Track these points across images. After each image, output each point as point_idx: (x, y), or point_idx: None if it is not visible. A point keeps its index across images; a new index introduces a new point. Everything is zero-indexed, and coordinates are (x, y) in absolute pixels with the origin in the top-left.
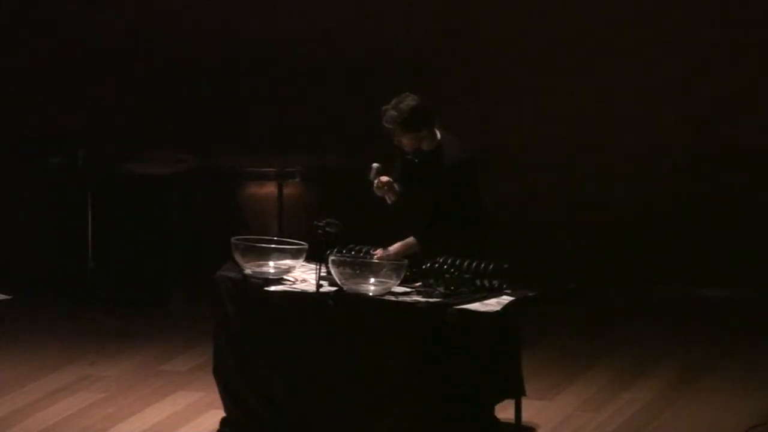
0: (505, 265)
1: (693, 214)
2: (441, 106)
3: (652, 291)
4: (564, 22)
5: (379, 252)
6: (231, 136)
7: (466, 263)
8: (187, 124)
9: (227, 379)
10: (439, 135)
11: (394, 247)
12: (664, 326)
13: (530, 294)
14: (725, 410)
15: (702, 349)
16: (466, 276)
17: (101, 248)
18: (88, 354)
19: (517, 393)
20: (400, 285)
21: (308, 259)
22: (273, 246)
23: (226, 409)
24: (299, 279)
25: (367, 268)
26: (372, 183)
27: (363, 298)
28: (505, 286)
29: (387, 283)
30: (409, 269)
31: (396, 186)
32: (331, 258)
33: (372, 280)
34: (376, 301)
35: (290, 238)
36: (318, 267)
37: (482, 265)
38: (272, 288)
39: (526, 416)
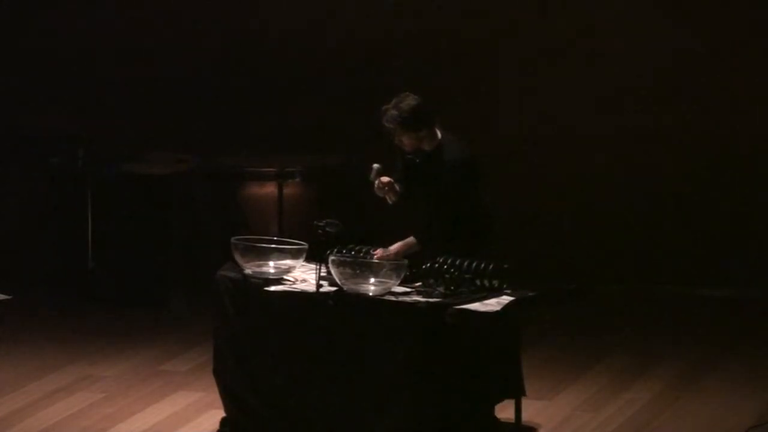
0: (505, 265)
1: (693, 214)
2: (441, 106)
3: (652, 291)
4: (564, 22)
5: (379, 252)
6: (231, 136)
7: (466, 263)
8: (187, 124)
9: (227, 379)
10: (439, 135)
11: (394, 247)
12: (664, 326)
13: (530, 294)
14: (725, 410)
15: (702, 349)
16: (466, 276)
17: (101, 248)
18: (88, 354)
19: (517, 393)
20: (400, 285)
21: (308, 259)
22: (273, 246)
23: (226, 409)
24: (299, 279)
25: (367, 268)
26: (373, 183)
27: (363, 298)
28: (505, 286)
29: (387, 283)
30: (409, 269)
31: (397, 186)
32: (331, 258)
33: (372, 280)
34: (376, 301)
35: (290, 238)
36: (318, 267)
37: (482, 265)
38: (272, 288)
39: (526, 416)
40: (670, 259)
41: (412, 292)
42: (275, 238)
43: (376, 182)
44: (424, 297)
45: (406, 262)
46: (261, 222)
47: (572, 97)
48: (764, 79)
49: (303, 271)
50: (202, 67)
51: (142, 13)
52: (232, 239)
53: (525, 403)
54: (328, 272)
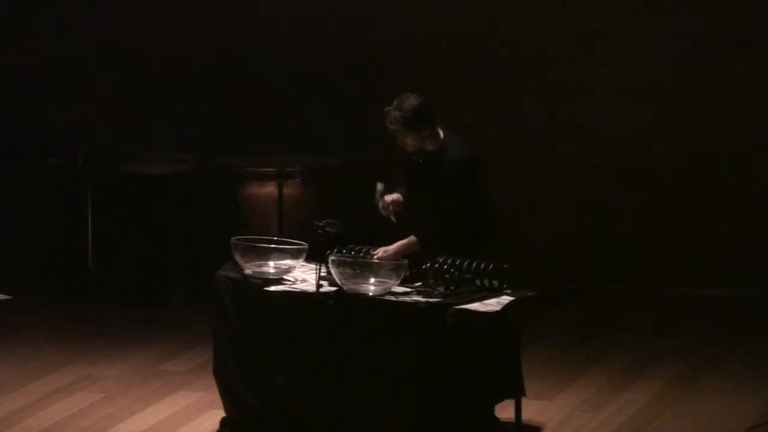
0: (505, 265)
1: (693, 214)
2: (441, 106)
3: (652, 291)
4: (564, 23)
5: (379, 251)
6: (231, 136)
7: (466, 263)
8: (187, 124)
9: (227, 379)
10: (442, 135)
11: (395, 246)
12: (664, 326)
13: (530, 294)
14: (725, 410)
15: (702, 349)
16: (466, 276)
17: (101, 248)
18: (88, 354)
19: (517, 393)
20: (400, 285)
21: (308, 259)
22: (273, 246)
23: (226, 409)
24: (299, 279)
25: (367, 268)
26: (377, 203)
27: (363, 298)
28: (505, 286)
29: (387, 283)
30: (409, 269)
31: (399, 205)
32: (331, 258)
33: (372, 280)
34: (376, 301)
35: (290, 238)
36: (318, 267)
37: (482, 265)
38: (272, 288)
39: (526, 416)
40: (670, 259)
41: (412, 292)
42: (275, 238)
43: (381, 202)
44: (424, 297)
45: (406, 262)
46: (261, 222)
47: (572, 97)
48: (764, 80)
49: (303, 271)
50: (202, 67)
51: (143, 13)
52: (232, 239)
53: (525, 403)
54: (328, 272)
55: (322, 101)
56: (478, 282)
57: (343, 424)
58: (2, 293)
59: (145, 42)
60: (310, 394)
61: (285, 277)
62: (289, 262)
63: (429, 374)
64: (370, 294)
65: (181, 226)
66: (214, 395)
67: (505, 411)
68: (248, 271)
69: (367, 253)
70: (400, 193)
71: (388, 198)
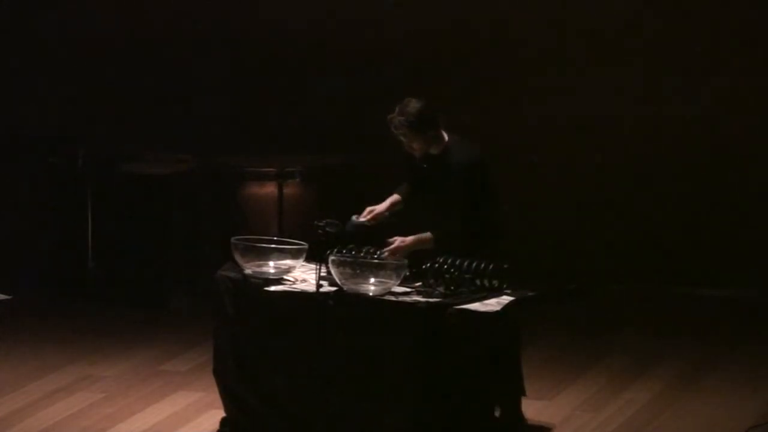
0: (505, 265)
1: (693, 214)
2: (441, 107)
3: (652, 291)
4: (565, 23)
5: (396, 240)
6: (231, 136)
7: (466, 263)
8: (187, 124)
9: (227, 379)
10: (446, 137)
11: (412, 239)
12: (664, 326)
13: (530, 294)
14: (725, 410)
15: (702, 349)
16: (466, 276)
17: (101, 248)
18: (88, 354)
19: (517, 393)
20: (400, 285)
21: (308, 259)
22: (273, 246)
23: (226, 409)
24: (299, 279)
25: (367, 268)
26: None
27: (363, 298)
28: (505, 286)
29: (387, 283)
30: (409, 269)
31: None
32: (331, 258)
33: (372, 280)
34: (376, 301)
35: (290, 238)
36: (318, 267)
37: (482, 265)
38: (272, 288)
39: (526, 416)
40: (670, 259)
41: (412, 292)
42: (275, 238)
43: (349, 224)
44: (424, 297)
45: (406, 262)
46: (261, 222)
47: (572, 97)
48: (765, 80)
49: (303, 271)
50: (202, 67)
51: (143, 13)
52: (232, 239)
53: (525, 403)
54: (328, 272)
55: (322, 101)
56: (478, 282)
57: (343, 424)
58: (2, 293)
59: (145, 42)
60: (310, 394)
61: (285, 277)
62: (289, 262)
63: (429, 374)
64: (370, 294)
65: (181, 226)
66: (214, 395)
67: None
68: (248, 271)
69: (367, 253)
70: (400, 194)
71: (368, 209)
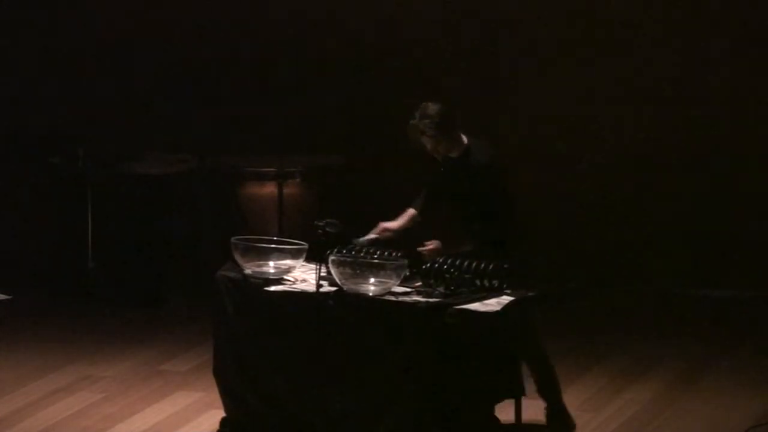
0: (505, 265)
1: (693, 214)
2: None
3: (652, 291)
4: (565, 22)
5: (432, 244)
6: (231, 136)
7: (466, 263)
8: (187, 124)
9: (227, 379)
10: (465, 139)
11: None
12: (664, 326)
13: (530, 294)
14: (725, 410)
15: (702, 349)
16: (466, 276)
17: (101, 248)
18: (88, 354)
19: (517, 393)
20: (400, 285)
21: (308, 259)
22: (273, 246)
23: (226, 409)
24: (299, 279)
25: (367, 268)
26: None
27: (363, 298)
28: (505, 286)
29: (387, 283)
30: (409, 269)
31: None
32: (331, 258)
33: (372, 280)
34: (376, 301)
35: (290, 238)
36: (318, 267)
37: (482, 265)
38: (272, 288)
39: (526, 416)
40: (670, 259)
41: (412, 292)
42: (275, 238)
43: (360, 243)
44: (424, 297)
45: (406, 262)
46: (261, 222)
47: (573, 97)
48: (765, 79)
49: (303, 271)
50: (203, 67)
51: (142, 13)
52: (232, 239)
53: (525, 403)
54: (328, 272)
55: (322, 101)
56: (478, 282)
57: (343, 424)
58: (2, 293)
59: (145, 42)
60: (310, 394)
61: (285, 277)
62: (289, 262)
63: (429, 374)
64: (370, 294)
65: (180, 226)
66: (214, 395)
67: (505, 411)
68: (248, 271)
69: (368, 253)
70: (415, 208)
71: (382, 225)
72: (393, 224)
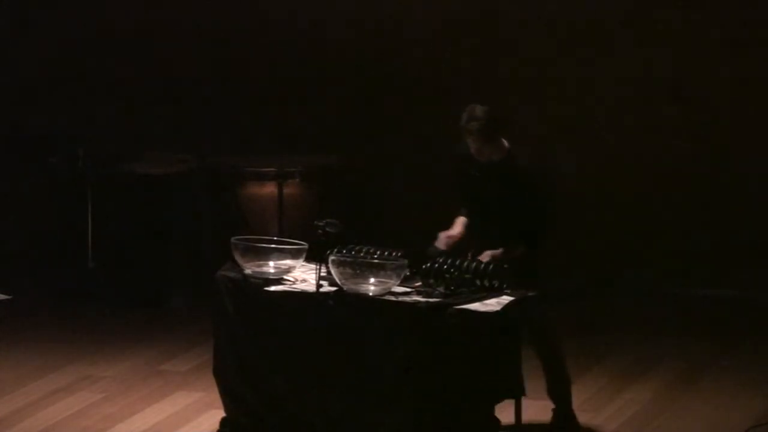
0: (505, 265)
1: (694, 214)
2: (442, 107)
3: (652, 291)
4: (566, 22)
5: (489, 253)
6: (231, 136)
7: (465, 263)
8: (187, 124)
9: (227, 379)
10: (506, 143)
11: (500, 251)
12: (664, 326)
13: (530, 294)
14: (725, 410)
15: (702, 349)
16: (466, 276)
17: (101, 248)
18: (88, 354)
19: (517, 393)
20: (400, 285)
21: (308, 259)
22: (273, 246)
23: (226, 409)
24: (299, 279)
25: (367, 268)
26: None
27: (363, 298)
28: (505, 286)
29: (387, 283)
30: (409, 269)
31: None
32: (331, 258)
33: (372, 280)
34: (376, 301)
35: (290, 238)
36: (318, 267)
37: (482, 265)
38: (272, 288)
39: (526, 416)
40: (670, 259)
41: (412, 292)
42: (275, 238)
43: (436, 248)
44: (424, 297)
45: (406, 262)
46: (261, 222)
47: (573, 96)
48: (765, 79)
49: (303, 271)
50: (202, 67)
51: (142, 13)
52: (232, 239)
53: (525, 403)
54: (328, 272)
55: (322, 101)
56: (478, 282)
57: (343, 424)
58: (2, 293)
59: (145, 42)
60: (310, 394)
61: (285, 277)
62: (289, 262)
63: (429, 374)
64: (370, 294)
65: (181, 226)
66: (214, 395)
67: (505, 411)
68: (248, 271)
69: (368, 253)
70: (465, 215)
71: (444, 235)
72: (455, 232)
